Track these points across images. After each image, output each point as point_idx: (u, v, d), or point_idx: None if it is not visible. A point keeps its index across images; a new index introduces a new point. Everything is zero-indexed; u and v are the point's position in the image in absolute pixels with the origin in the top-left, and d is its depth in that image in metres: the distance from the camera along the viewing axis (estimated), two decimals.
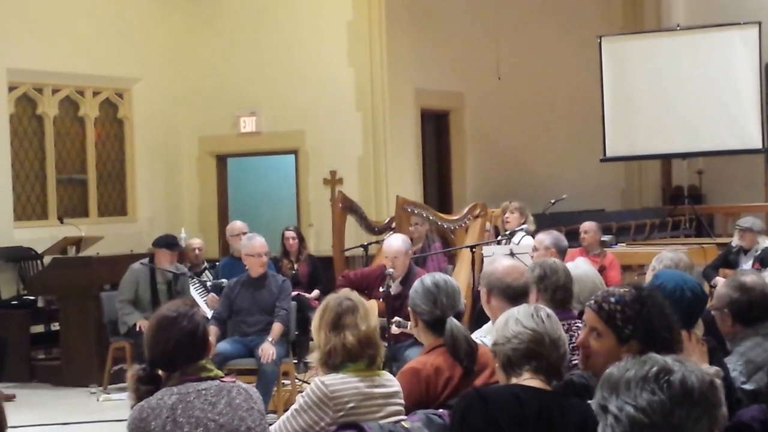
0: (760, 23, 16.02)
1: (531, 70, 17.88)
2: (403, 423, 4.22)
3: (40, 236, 13.32)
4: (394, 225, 10.54)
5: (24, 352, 11.54)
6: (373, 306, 7.70)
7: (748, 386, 4.66)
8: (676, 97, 16.40)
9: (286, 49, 14.92)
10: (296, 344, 10.39)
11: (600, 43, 16.82)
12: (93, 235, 13.24)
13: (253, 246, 9.01)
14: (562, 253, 8.22)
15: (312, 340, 4.44)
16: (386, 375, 4.36)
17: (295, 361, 10.32)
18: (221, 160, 15.89)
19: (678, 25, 17.50)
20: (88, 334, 11.17)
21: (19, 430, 8.85)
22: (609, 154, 16.92)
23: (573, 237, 10.90)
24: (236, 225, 11.42)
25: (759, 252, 10.54)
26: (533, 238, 9.54)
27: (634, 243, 15.47)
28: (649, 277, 5.53)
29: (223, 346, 8.74)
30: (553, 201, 13.87)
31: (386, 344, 7.04)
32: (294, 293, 10.00)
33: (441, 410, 4.37)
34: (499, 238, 10.23)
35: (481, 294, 5.19)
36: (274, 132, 15.14)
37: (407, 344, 7.78)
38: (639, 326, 3.55)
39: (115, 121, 15.24)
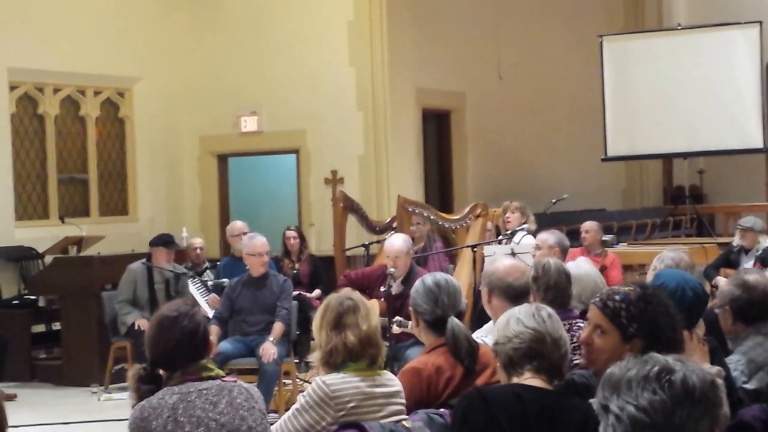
0: (761, 23, 16.01)
1: (532, 69, 17.88)
2: (404, 423, 4.22)
3: (41, 236, 13.32)
4: (395, 224, 10.53)
5: (25, 352, 11.54)
6: (374, 305, 7.71)
7: (749, 386, 4.66)
8: (677, 96, 16.39)
9: (287, 48, 14.92)
10: (297, 344, 10.40)
11: (601, 42, 16.82)
12: (94, 234, 13.24)
13: (254, 245, 9.01)
14: (564, 252, 8.24)
15: (313, 339, 4.44)
16: (387, 374, 4.36)
17: (297, 360, 10.32)
18: (222, 159, 15.89)
19: (679, 25, 17.50)
20: (89, 333, 11.17)
21: (20, 429, 8.85)
22: (610, 153, 16.92)
23: (574, 237, 10.91)
24: (236, 225, 11.42)
25: (760, 252, 10.53)
26: (534, 237, 9.55)
27: (635, 243, 15.46)
28: (650, 276, 5.53)
29: (225, 345, 8.74)
30: (554, 200, 13.88)
31: (387, 344, 7.05)
32: (295, 293, 10.00)
33: (442, 410, 4.37)
34: (500, 237, 10.23)
35: (482, 293, 5.19)
36: (275, 131, 15.14)
37: (408, 344, 7.78)
38: (643, 325, 3.56)
39: (116, 121, 15.25)
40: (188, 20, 15.53)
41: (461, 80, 16.99)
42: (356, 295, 4.43)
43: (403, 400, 4.33)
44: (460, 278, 9.52)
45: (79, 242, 12.93)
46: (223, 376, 3.96)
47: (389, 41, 14.55)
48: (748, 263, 10.32)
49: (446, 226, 10.71)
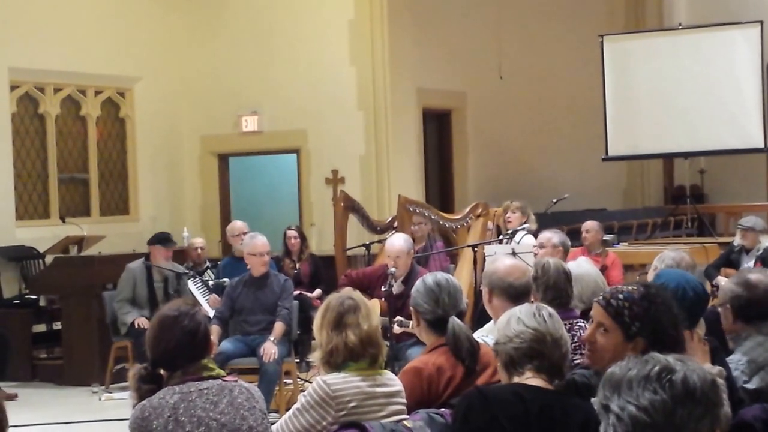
0: (761, 22, 16.00)
1: (533, 69, 17.88)
2: (404, 422, 4.22)
3: (42, 235, 13.32)
4: (396, 224, 10.53)
5: (26, 352, 11.54)
6: (375, 305, 7.73)
7: (750, 385, 4.65)
8: (677, 96, 16.39)
9: (288, 48, 14.92)
10: (298, 343, 10.39)
11: (602, 42, 16.81)
12: (95, 234, 13.25)
13: (255, 245, 9.01)
14: (566, 252, 8.25)
15: (314, 339, 4.44)
16: (388, 374, 4.36)
17: (297, 360, 10.32)
18: (223, 159, 15.90)
19: (680, 25, 17.49)
20: (90, 333, 11.17)
21: (21, 429, 8.86)
22: (611, 153, 16.91)
23: (575, 236, 10.91)
24: (236, 225, 11.42)
25: (761, 251, 10.52)
26: (535, 237, 9.56)
27: (636, 242, 15.45)
28: (651, 276, 5.53)
29: (225, 345, 8.74)
30: (555, 200, 13.88)
31: (388, 343, 7.06)
32: (296, 292, 10.00)
33: (443, 409, 4.37)
34: (501, 237, 10.23)
35: (482, 293, 5.20)
36: (276, 131, 15.14)
37: (409, 343, 7.78)
38: (646, 324, 3.56)
39: (117, 121, 15.25)
40: (189, 20, 15.54)
41: (462, 80, 17.00)
42: (357, 294, 4.43)
43: (404, 400, 4.33)
44: (461, 278, 9.52)
45: (80, 242, 12.93)
46: (224, 376, 3.97)
47: (390, 41, 14.55)
48: (748, 263, 10.31)
49: (447, 225, 10.71)
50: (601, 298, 3.69)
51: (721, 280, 10.00)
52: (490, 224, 10.85)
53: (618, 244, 13.61)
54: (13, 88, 13.70)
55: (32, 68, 13.75)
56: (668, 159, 19.35)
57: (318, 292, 11.37)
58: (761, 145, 16.12)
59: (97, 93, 14.90)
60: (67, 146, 14.58)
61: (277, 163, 16.31)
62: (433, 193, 16.63)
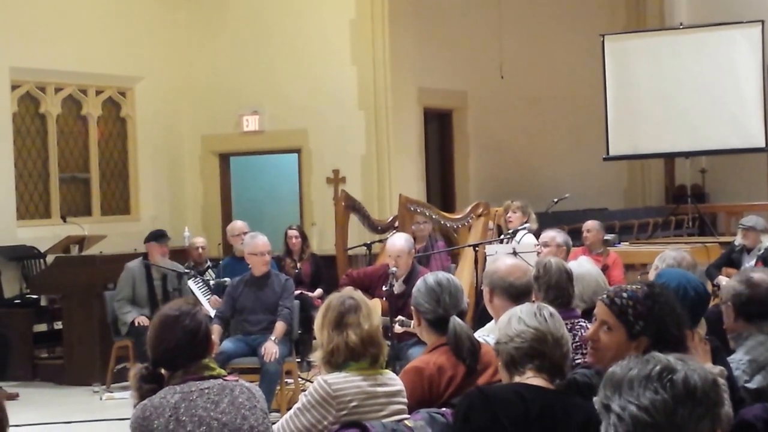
0: (762, 22, 16.00)
1: (534, 68, 17.89)
2: (405, 422, 4.22)
3: (43, 235, 13.32)
4: (397, 224, 10.53)
5: (27, 351, 11.55)
6: (376, 305, 7.73)
7: (751, 385, 4.65)
8: (678, 95, 16.38)
9: (289, 47, 14.92)
10: (299, 343, 10.39)
11: (603, 41, 16.81)
12: (96, 233, 13.24)
13: (256, 245, 9.01)
14: (569, 251, 8.27)
15: (315, 338, 4.44)
16: (389, 374, 4.36)
17: (298, 359, 10.32)
18: (224, 158, 15.90)
19: (681, 24, 17.50)
20: (91, 332, 11.17)
21: (22, 429, 8.86)
22: (612, 152, 16.90)
23: (576, 236, 10.90)
24: (237, 225, 11.42)
25: (762, 251, 10.51)
26: (536, 236, 9.57)
27: (637, 242, 15.46)
28: (652, 276, 5.53)
29: (226, 345, 8.75)
30: (556, 200, 13.88)
31: (389, 343, 7.06)
32: (297, 292, 10.01)
33: (444, 409, 4.37)
34: (502, 237, 10.22)
35: (483, 293, 5.20)
36: (277, 131, 15.14)
37: (410, 343, 7.78)
38: (650, 323, 3.56)
39: (118, 120, 15.25)
40: (190, 20, 15.54)
41: (463, 79, 17.00)
42: (358, 294, 4.43)
43: (405, 400, 4.33)
44: (462, 277, 9.52)
45: (81, 241, 12.93)
46: (225, 376, 3.97)
47: (391, 40, 14.55)
48: (749, 262, 10.31)
49: (448, 225, 10.71)
50: (605, 296, 3.70)
51: (722, 280, 10.00)
52: (490, 224, 10.85)
53: (619, 243, 13.61)
54: (14, 87, 13.70)
55: (33, 68, 13.76)
56: (669, 158, 19.35)
57: (319, 291, 11.37)
58: (762, 144, 16.11)
59: (98, 93, 14.90)
60: (68, 146, 14.58)
61: (278, 163, 16.31)
62: (434, 192, 16.64)
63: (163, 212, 15.22)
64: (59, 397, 10.58)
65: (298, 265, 11.74)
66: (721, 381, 2.27)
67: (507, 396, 3.55)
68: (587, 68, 17.43)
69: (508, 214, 10.58)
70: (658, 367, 2.19)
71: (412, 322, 4.94)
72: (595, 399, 2.26)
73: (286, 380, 9.18)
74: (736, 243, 10.95)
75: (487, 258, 8.91)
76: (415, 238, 9.46)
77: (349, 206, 10.90)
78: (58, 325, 11.98)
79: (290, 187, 15.64)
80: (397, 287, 7.97)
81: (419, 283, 4.78)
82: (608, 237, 11.35)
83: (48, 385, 11.18)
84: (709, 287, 8.81)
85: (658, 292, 3.65)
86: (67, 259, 12.28)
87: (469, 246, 10.00)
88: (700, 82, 16.31)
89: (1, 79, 13.37)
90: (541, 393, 3.57)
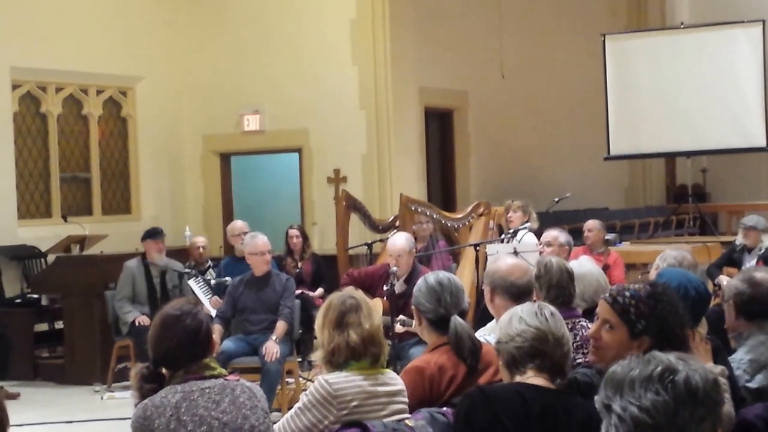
0: (764, 21, 16.00)
1: (535, 68, 17.89)
2: (406, 421, 4.22)
3: (44, 235, 13.32)
4: (397, 223, 10.53)
5: (28, 351, 11.55)
6: (377, 304, 7.72)
7: (752, 385, 4.65)
8: (679, 95, 16.39)
9: (290, 47, 14.92)
10: (300, 342, 10.38)
11: (604, 41, 16.81)
12: (97, 233, 13.24)
13: (256, 245, 9.01)
14: (570, 251, 8.28)
15: (316, 338, 4.44)
16: (390, 373, 4.35)
17: (299, 359, 10.32)
18: (225, 158, 15.89)
19: (682, 24, 17.50)
20: (92, 332, 11.18)
21: (24, 428, 8.85)
22: (613, 152, 16.91)
23: (577, 235, 10.90)
24: (237, 225, 11.41)
25: (763, 250, 10.52)
26: (537, 236, 9.57)
27: (638, 241, 15.45)
28: (653, 275, 5.53)
29: (227, 344, 8.75)
30: (557, 199, 13.88)
31: (390, 342, 7.05)
32: (298, 291, 10.01)
33: (445, 408, 4.37)
34: (502, 237, 10.22)
35: (484, 292, 5.20)
36: (278, 130, 15.14)
37: (411, 343, 7.78)
38: (652, 322, 3.56)
39: (119, 120, 15.25)
40: (191, 19, 15.54)
41: (464, 79, 17.01)
42: (359, 293, 4.43)
43: (406, 399, 4.33)
44: (463, 277, 9.52)
45: (82, 241, 12.92)
46: (226, 375, 3.96)
47: (392, 40, 14.54)
48: (750, 262, 10.31)
49: (449, 224, 10.71)
50: (607, 295, 3.70)
51: (723, 279, 10.00)
52: (491, 223, 10.85)
53: (620, 243, 13.61)
54: (15, 87, 13.70)
55: (34, 67, 13.76)
56: (670, 158, 19.36)
57: (320, 291, 11.37)
58: (763, 144, 16.12)
59: (99, 92, 14.90)
60: (69, 145, 14.58)
61: (279, 163, 16.31)
62: (434, 192, 16.64)
63: (164, 212, 15.23)
64: (60, 397, 10.57)
65: (299, 264, 11.74)
66: (722, 381, 2.26)
67: (508, 395, 3.55)
68: (588, 68, 17.43)
69: (509, 214, 10.57)
70: (659, 368, 2.19)
71: (414, 321, 4.94)
72: (596, 398, 2.26)
73: (287, 380, 9.18)
74: (737, 242, 10.95)
75: (488, 257, 8.91)
76: (416, 238, 9.46)
77: (350, 206, 10.90)
78: (59, 325, 11.98)
79: (291, 186, 15.64)
80: (398, 287, 7.97)
81: (420, 282, 4.78)
82: (609, 236, 11.35)
83: (49, 385, 11.18)
84: (710, 287, 8.83)
85: (660, 292, 3.65)
86: (68, 258, 12.28)
87: (470, 245, 10.00)
88: (701, 81, 16.32)
89: (1, 78, 13.37)
90: (541, 392, 3.57)
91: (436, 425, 4.25)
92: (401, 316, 7.58)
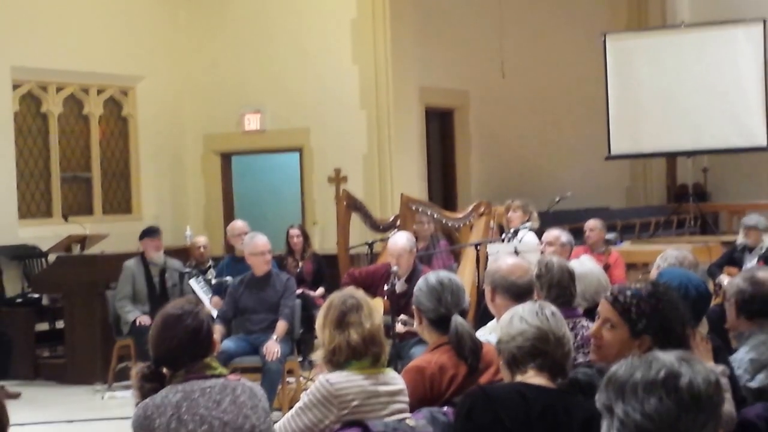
0: (764, 20, 16.00)
1: (536, 68, 17.88)
2: (407, 421, 4.22)
3: (45, 234, 13.32)
4: (398, 223, 10.53)
5: (29, 350, 11.55)
6: (378, 304, 7.71)
7: (752, 384, 4.66)
8: (680, 94, 16.39)
9: (291, 46, 14.91)
10: (301, 342, 10.38)
11: (604, 40, 16.81)
12: (97, 233, 13.24)
13: (256, 245, 9.00)
14: (571, 250, 8.28)
15: (316, 337, 4.44)
16: (391, 373, 4.36)
17: (300, 359, 10.32)
18: (226, 158, 15.89)
19: (682, 23, 17.50)
20: (93, 332, 11.18)
21: (24, 428, 8.85)
22: (614, 151, 16.91)
23: (577, 235, 10.90)
24: (237, 225, 11.39)
25: (764, 250, 10.52)
26: (538, 235, 9.56)
27: (638, 241, 15.45)
28: (653, 275, 5.53)
29: (228, 344, 8.75)
30: (557, 199, 13.86)
31: (391, 342, 7.05)
32: (298, 291, 10.00)
33: (445, 408, 4.37)
34: (503, 236, 10.22)
35: (485, 292, 5.19)
36: (279, 130, 15.13)
37: (412, 342, 7.77)
38: (653, 321, 3.56)
39: (120, 119, 15.25)
40: (191, 19, 15.53)
41: (464, 79, 17.00)
42: (359, 293, 4.43)
43: (407, 398, 4.33)
44: (464, 276, 9.53)
45: (83, 240, 12.93)
46: (227, 375, 3.97)
47: (392, 39, 14.53)
48: (751, 262, 10.31)
49: (450, 224, 10.71)
50: (608, 293, 3.70)
51: (724, 279, 10.00)
52: (492, 223, 10.84)
53: (621, 242, 13.61)
54: (15, 86, 13.70)
55: (35, 67, 13.75)
56: (671, 157, 19.36)
57: (321, 290, 11.37)
58: (764, 143, 16.12)
59: (100, 92, 14.90)
60: (69, 145, 14.58)
61: (280, 162, 16.30)
62: (435, 191, 16.63)
63: (165, 211, 15.22)
64: (61, 396, 10.57)
65: (300, 264, 11.74)
66: (724, 380, 2.26)
67: (508, 395, 3.55)
68: (589, 67, 17.43)
69: (508, 214, 10.58)
70: (662, 373, 2.17)
71: (414, 321, 4.94)
72: (596, 397, 2.26)
73: (287, 379, 9.18)
74: (738, 242, 10.95)
75: (489, 257, 8.91)
76: (417, 238, 9.46)
77: (351, 205, 10.90)
78: (60, 325, 11.98)
79: (292, 186, 15.63)
80: (399, 286, 7.97)
81: (421, 282, 4.78)
82: (610, 236, 11.35)
83: (50, 384, 11.19)
84: (711, 286, 8.82)
85: (661, 291, 3.65)
86: (69, 258, 12.29)
87: (471, 245, 10.00)
88: (702, 81, 16.32)
89: (2, 78, 13.37)
90: (542, 392, 3.57)
91: (436, 425, 4.25)
92: (403, 316, 7.58)
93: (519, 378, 3.66)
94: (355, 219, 10.98)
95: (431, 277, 4.77)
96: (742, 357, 4.75)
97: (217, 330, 8.20)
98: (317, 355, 4.38)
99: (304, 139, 15.01)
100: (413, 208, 10.45)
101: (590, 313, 4.92)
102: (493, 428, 3.46)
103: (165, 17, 15.31)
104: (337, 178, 14.68)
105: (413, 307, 4.78)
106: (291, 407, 4.38)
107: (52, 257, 12.72)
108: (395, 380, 4.33)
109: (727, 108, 16.20)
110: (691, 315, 3.92)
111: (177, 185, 15.63)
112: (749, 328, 4.81)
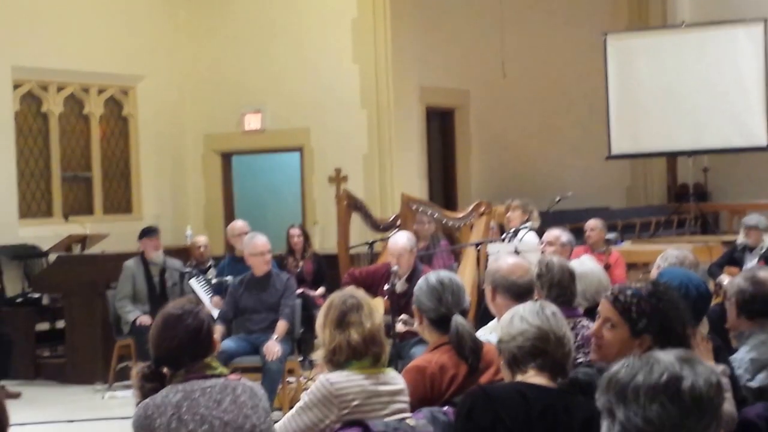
0: (765, 20, 15.99)
1: (536, 67, 17.88)
2: (407, 420, 4.22)
3: (45, 234, 13.32)
4: (399, 222, 10.52)
5: (29, 350, 11.55)
6: (378, 304, 7.72)
7: (753, 384, 4.65)
8: (681, 94, 16.39)
9: (291, 46, 14.91)
10: (301, 342, 10.38)
11: (605, 40, 16.80)
12: (98, 232, 13.25)
13: (256, 245, 9.00)
14: (571, 250, 8.28)
15: (317, 337, 4.44)
16: (391, 372, 4.36)
17: (301, 358, 10.32)
18: (226, 157, 15.89)
19: (683, 22, 17.49)
20: (93, 331, 11.18)
21: (25, 428, 8.85)
22: (614, 151, 16.91)
23: (578, 234, 10.89)
24: (237, 225, 11.38)
25: (764, 250, 10.52)
26: (538, 235, 9.56)
27: (639, 241, 15.45)
28: (654, 274, 5.53)
29: (228, 343, 8.74)
30: (558, 198, 13.86)
31: (391, 342, 7.05)
32: (299, 291, 10.00)
33: (446, 408, 4.37)
34: (504, 236, 10.22)
35: (485, 291, 5.19)
36: (279, 129, 15.13)
37: (413, 342, 7.77)
38: (653, 320, 3.56)
39: (120, 119, 15.25)
40: (192, 18, 15.53)
41: (465, 78, 17.00)
42: (360, 293, 4.43)
43: (407, 398, 4.33)
44: (464, 276, 9.52)
45: (83, 240, 12.93)
46: (227, 374, 3.96)
47: (393, 39, 14.53)
48: (752, 261, 10.31)
49: (450, 224, 10.70)
50: (609, 293, 3.70)
51: (725, 279, 10.00)
52: (492, 222, 10.84)
53: (621, 242, 13.61)
54: (16, 86, 13.71)
55: (35, 67, 13.75)
56: (672, 157, 19.34)
57: (321, 290, 11.37)
58: (765, 143, 16.12)
59: (100, 91, 14.90)
60: (70, 145, 14.58)
61: (280, 162, 16.30)
62: (436, 191, 16.63)
63: (165, 211, 15.22)
64: (61, 396, 10.58)
65: (300, 264, 11.74)
66: (725, 380, 2.26)
67: (509, 395, 3.55)
68: (589, 67, 17.42)
69: (509, 213, 10.57)
70: (664, 377, 2.16)
71: (415, 320, 4.94)
72: (596, 396, 2.25)
73: (288, 379, 9.18)
74: (739, 242, 10.96)
75: (489, 257, 8.91)
76: (417, 237, 9.45)
77: (351, 205, 10.89)
78: (60, 324, 11.99)
79: (292, 185, 15.63)
80: (399, 286, 7.97)
81: (421, 281, 4.78)
82: (610, 236, 11.35)
83: (50, 384, 11.19)
84: (711, 286, 8.82)
85: (661, 291, 3.65)
86: (69, 258, 12.29)
87: (472, 245, 10.00)
88: (703, 80, 16.31)
89: (3, 78, 13.37)
90: (543, 392, 3.57)
91: (437, 424, 4.25)
92: (404, 315, 7.57)
93: (519, 378, 3.66)
94: (356, 219, 10.98)
95: (432, 276, 4.77)
96: (742, 357, 4.75)
97: (218, 330, 8.21)
98: (318, 355, 4.39)
99: (304, 138, 15.01)
100: (413, 207, 10.44)
101: (591, 312, 4.92)
102: (494, 428, 3.46)
103: (165, 17, 15.31)
104: (338, 178, 14.68)
105: (413, 306, 4.78)
106: (291, 407, 4.38)
107: (52, 257, 12.72)
108: (396, 380, 4.33)
109: (728, 108, 16.19)
110: (691, 315, 3.92)
111: (177, 185, 15.63)
112: (750, 328, 4.81)
